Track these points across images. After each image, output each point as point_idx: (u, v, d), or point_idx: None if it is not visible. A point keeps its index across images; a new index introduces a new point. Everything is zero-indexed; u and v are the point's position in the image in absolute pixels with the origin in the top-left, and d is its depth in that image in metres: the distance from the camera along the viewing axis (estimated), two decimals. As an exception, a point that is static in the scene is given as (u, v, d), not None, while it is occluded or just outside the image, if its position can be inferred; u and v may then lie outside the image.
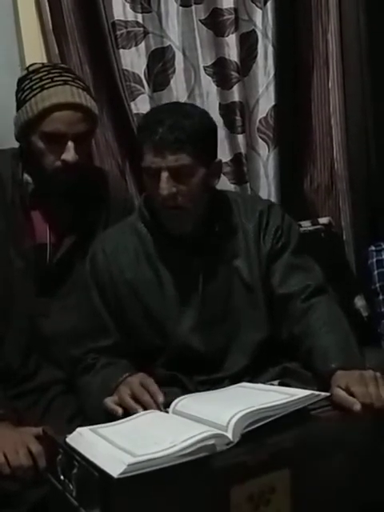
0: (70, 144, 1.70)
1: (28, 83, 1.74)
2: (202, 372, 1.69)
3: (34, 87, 1.72)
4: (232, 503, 1.16)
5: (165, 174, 1.58)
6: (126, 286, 1.71)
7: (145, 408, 1.44)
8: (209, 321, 1.70)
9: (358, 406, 1.32)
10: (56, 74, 1.75)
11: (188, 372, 1.66)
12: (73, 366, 1.70)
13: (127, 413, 1.44)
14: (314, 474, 1.24)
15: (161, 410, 1.41)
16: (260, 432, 1.19)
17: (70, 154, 1.71)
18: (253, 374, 1.67)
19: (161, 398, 1.44)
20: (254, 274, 1.71)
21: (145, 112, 2.27)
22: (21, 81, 1.79)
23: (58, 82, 1.72)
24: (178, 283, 1.70)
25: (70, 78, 1.76)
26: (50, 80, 1.72)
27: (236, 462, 1.17)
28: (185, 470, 1.11)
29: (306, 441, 1.24)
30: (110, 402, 1.50)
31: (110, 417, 1.45)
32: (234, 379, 1.63)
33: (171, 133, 1.55)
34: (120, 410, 1.46)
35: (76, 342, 1.71)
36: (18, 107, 1.76)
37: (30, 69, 1.79)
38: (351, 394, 1.35)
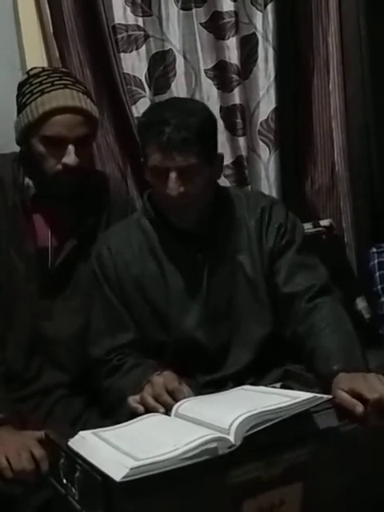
0: (71, 147, 1.70)
1: (28, 87, 1.75)
2: (206, 369, 1.69)
3: (34, 91, 1.72)
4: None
5: (173, 175, 1.58)
6: (132, 281, 1.72)
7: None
8: (213, 315, 1.71)
9: (360, 408, 1.31)
10: (56, 78, 1.75)
11: (192, 369, 1.66)
12: (96, 368, 1.70)
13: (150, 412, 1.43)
14: (326, 486, 1.23)
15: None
16: (275, 446, 1.18)
17: (70, 157, 1.70)
18: (256, 374, 1.68)
19: (181, 395, 1.43)
20: (257, 269, 1.72)
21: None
22: (21, 85, 1.79)
23: (58, 86, 1.72)
24: (182, 278, 1.71)
25: (70, 82, 1.76)
26: (50, 84, 1.72)
27: (250, 478, 1.16)
28: (190, 476, 1.11)
29: (320, 455, 1.23)
30: (132, 400, 1.49)
31: (134, 415, 1.43)
32: (238, 378, 1.64)
33: (178, 133, 1.56)
34: (141, 408, 1.45)
35: (94, 341, 1.72)
36: (19, 111, 1.76)
37: (31, 73, 1.79)
38: (356, 395, 1.33)
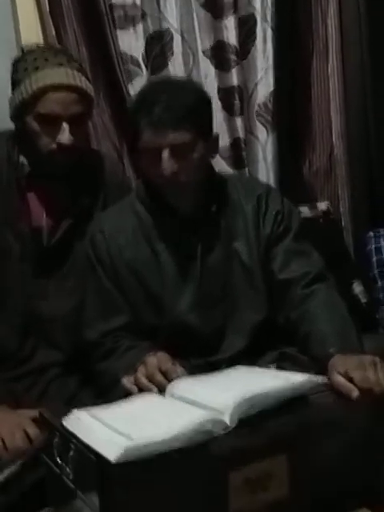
0: (65, 126, 1.69)
1: (23, 64, 1.73)
2: (200, 353, 1.69)
3: (29, 68, 1.70)
4: (230, 488, 1.16)
5: (166, 153, 1.57)
6: (125, 265, 1.72)
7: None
8: (207, 300, 1.70)
9: (355, 393, 1.31)
10: (51, 55, 1.73)
11: (185, 353, 1.65)
12: (90, 351, 1.70)
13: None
14: (312, 459, 1.23)
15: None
16: (257, 417, 1.19)
17: (64, 135, 1.69)
18: (250, 357, 1.67)
19: (175, 375, 1.42)
20: (253, 256, 1.72)
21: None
22: (16, 62, 1.77)
23: (53, 63, 1.70)
24: (176, 262, 1.70)
25: (65, 59, 1.74)
26: (44, 61, 1.70)
27: (234, 447, 1.16)
28: (182, 454, 1.11)
29: (303, 427, 1.24)
30: (126, 381, 1.49)
31: (128, 396, 1.42)
32: (232, 363, 1.62)
33: (169, 111, 1.55)
34: (135, 389, 1.45)
35: (88, 325, 1.72)
36: (13, 88, 1.74)
37: (26, 50, 1.77)
38: (350, 380, 1.33)
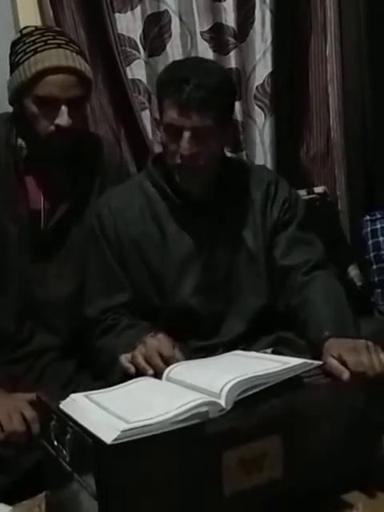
0: (64, 108, 1.68)
1: (21, 46, 1.72)
2: (199, 336, 1.70)
3: (28, 50, 1.69)
4: (224, 468, 1.17)
5: (187, 134, 1.57)
6: (131, 242, 1.72)
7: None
8: (210, 284, 1.71)
9: (346, 376, 1.32)
10: (50, 37, 1.72)
11: (185, 334, 1.66)
12: (90, 327, 1.70)
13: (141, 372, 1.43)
14: (306, 440, 1.25)
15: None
16: (253, 399, 1.20)
17: (63, 118, 1.68)
18: (248, 341, 1.68)
19: (174, 362, 1.42)
20: (258, 243, 1.73)
21: (140, 77, 2.30)
22: (14, 44, 1.76)
23: (52, 45, 1.70)
24: (182, 244, 1.71)
25: (63, 42, 1.73)
26: (43, 43, 1.69)
27: (228, 427, 1.17)
28: (178, 435, 1.12)
29: (296, 408, 1.25)
30: (124, 359, 1.49)
31: (126, 375, 1.44)
32: (230, 346, 1.63)
33: (198, 92, 1.54)
34: (132, 369, 1.45)
35: (89, 301, 1.72)
36: (12, 71, 1.74)
37: (24, 32, 1.76)
38: (343, 363, 1.34)
